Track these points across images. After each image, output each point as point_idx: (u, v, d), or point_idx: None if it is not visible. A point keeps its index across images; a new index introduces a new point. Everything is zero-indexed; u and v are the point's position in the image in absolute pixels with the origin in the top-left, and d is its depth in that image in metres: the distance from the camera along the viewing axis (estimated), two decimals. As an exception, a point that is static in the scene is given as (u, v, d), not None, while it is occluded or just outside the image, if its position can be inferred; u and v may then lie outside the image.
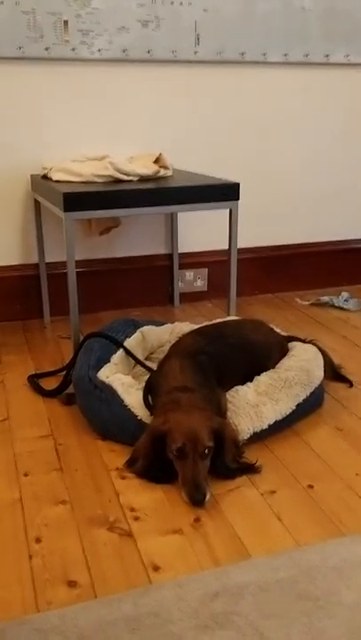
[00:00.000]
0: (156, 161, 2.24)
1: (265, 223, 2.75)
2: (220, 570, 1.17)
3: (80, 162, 2.22)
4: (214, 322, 1.99)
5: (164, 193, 2.03)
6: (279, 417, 1.61)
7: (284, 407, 1.62)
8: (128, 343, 1.92)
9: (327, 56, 2.59)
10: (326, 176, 2.79)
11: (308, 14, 2.51)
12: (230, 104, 2.55)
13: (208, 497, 1.35)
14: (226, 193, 2.05)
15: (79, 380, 1.72)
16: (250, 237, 2.67)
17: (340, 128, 2.75)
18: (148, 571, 1.17)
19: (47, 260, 2.42)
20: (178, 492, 1.38)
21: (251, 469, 1.46)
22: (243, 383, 1.69)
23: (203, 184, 2.09)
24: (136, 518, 1.32)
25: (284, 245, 2.81)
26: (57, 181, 2.12)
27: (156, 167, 2.20)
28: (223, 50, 2.44)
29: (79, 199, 1.92)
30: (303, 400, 1.67)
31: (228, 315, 2.16)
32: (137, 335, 1.98)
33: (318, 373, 1.77)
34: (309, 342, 1.93)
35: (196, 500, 1.34)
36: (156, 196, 2.01)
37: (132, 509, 1.34)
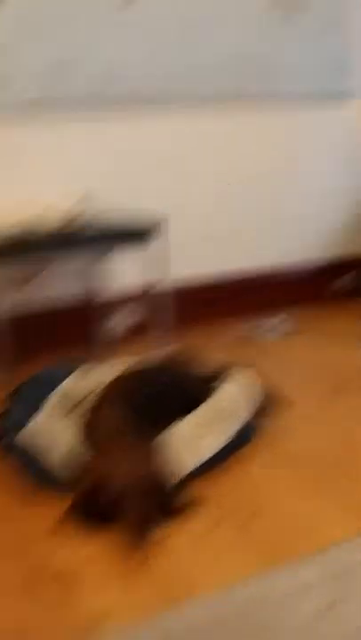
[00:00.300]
0: (74, 206, 2.23)
1: (202, 253, 2.75)
2: (171, 610, 1.15)
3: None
4: (146, 360, 1.99)
5: (80, 241, 2.02)
6: (217, 449, 1.62)
7: (221, 439, 1.64)
8: (64, 386, 1.89)
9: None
10: (263, 204, 2.86)
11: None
12: (147, 140, 2.58)
13: (151, 538, 1.33)
14: (144, 234, 2.06)
15: (9, 433, 1.68)
16: (186, 269, 2.67)
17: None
18: (95, 622, 1.14)
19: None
20: (120, 537, 1.35)
21: (192, 505, 1.45)
22: (179, 419, 1.69)
23: (119, 230, 2.09)
24: (78, 569, 1.28)
25: (220, 274, 2.83)
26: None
27: (73, 213, 2.20)
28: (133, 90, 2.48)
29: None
30: (239, 430, 1.69)
31: (163, 349, 2.15)
32: (72, 377, 1.95)
33: (252, 402, 1.78)
34: (242, 371, 1.95)
35: (140, 542, 1.32)
36: (71, 244, 2.00)
37: (73, 561, 1.30)
